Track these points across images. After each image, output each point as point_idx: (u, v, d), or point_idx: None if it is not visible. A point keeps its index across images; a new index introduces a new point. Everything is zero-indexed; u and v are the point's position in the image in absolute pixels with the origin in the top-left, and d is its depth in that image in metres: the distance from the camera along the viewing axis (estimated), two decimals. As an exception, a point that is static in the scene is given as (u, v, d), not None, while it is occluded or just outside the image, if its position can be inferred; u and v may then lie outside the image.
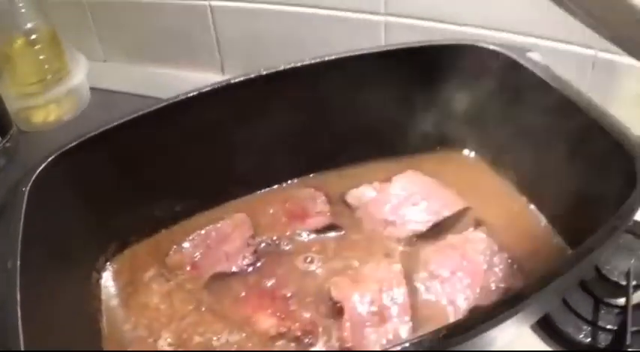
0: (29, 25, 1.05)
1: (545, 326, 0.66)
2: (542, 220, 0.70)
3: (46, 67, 1.09)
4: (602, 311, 0.66)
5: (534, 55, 0.68)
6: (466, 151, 0.78)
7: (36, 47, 1.07)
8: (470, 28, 0.85)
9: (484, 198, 0.72)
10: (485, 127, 0.74)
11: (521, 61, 0.67)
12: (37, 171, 0.64)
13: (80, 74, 1.13)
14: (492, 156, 0.76)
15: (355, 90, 0.74)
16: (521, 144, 0.70)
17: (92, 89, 1.16)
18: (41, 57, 1.08)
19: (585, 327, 0.65)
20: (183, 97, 0.69)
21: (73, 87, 1.12)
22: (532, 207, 0.71)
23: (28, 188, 0.62)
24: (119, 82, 1.16)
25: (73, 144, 0.66)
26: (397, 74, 0.73)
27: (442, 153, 0.78)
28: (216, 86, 0.70)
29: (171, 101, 0.70)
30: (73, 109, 1.12)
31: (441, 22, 0.87)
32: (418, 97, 0.74)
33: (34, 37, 1.06)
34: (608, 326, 0.64)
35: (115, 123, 0.68)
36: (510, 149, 0.72)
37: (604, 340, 0.63)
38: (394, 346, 0.45)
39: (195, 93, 0.70)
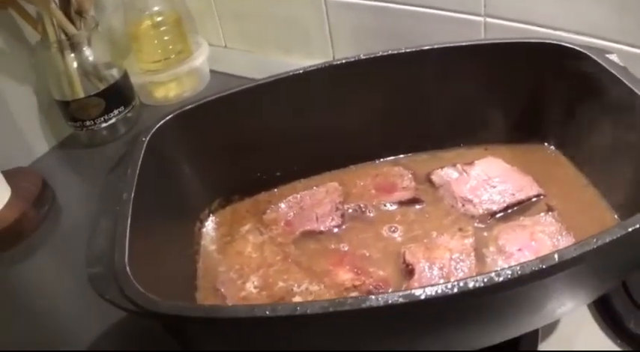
0: (156, 9, 1.20)
1: (609, 320, 0.72)
2: (614, 213, 0.75)
3: (170, 47, 1.23)
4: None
5: (613, 57, 0.73)
6: (547, 145, 0.84)
7: (161, 29, 1.22)
8: (563, 32, 0.93)
9: (559, 188, 0.78)
10: (566, 123, 0.80)
11: (601, 61, 0.72)
12: (157, 126, 0.76)
13: (201, 56, 1.26)
14: (572, 150, 0.81)
15: (448, 80, 0.82)
16: (598, 140, 0.75)
17: (212, 71, 1.30)
18: (165, 38, 1.22)
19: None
20: (292, 73, 0.80)
21: (193, 67, 1.25)
22: (605, 201, 0.76)
23: (147, 138, 0.74)
24: (237, 66, 1.30)
25: (191, 106, 0.79)
26: (487, 68, 0.80)
27: (525, 145, 0.84)
28: (320, 66, 0.80)
29: (281, 76, 0.80)
30: (193, 88, 1.26)
31: (536, 25, 0.95)
32: (505, 91, 0.81)
33: (159, 19, 1.21)
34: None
35: (230, 92, 0.80)
36: (589, 145, 0.77)
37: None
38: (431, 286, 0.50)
39: (301, 71, 0.80)
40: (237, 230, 0.81)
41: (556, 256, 0.51)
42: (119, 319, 0.87)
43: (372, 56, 0.81)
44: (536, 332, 0.71)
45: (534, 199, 0.78)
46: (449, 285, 0.50)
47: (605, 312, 0.74)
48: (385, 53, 0.81)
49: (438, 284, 0.49)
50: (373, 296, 0.50)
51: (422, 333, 0.57)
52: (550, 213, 0.75)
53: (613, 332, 0.72)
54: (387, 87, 0.83)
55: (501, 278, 0.50)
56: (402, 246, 0.74)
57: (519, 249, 0.71)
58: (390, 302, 0.50)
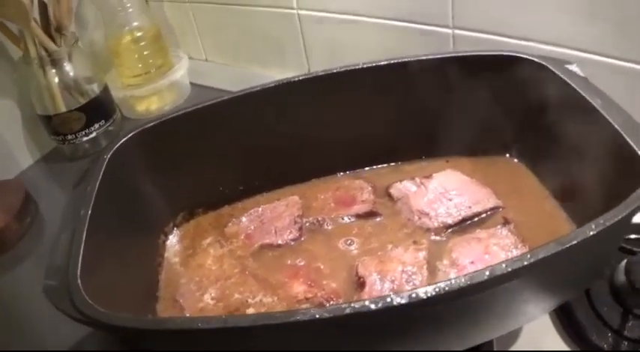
0: (135, 24, 1.23)
1: (572, 331, 0.74)
2: (572, 225, 0.76)
3: (150, 61, 1.26)
4: (630, 323, 0.70)
5: (573, 67, 0.74)
6: (508, 156, 0.86)
7: (141, 44, 1.24)
8: (532, 43, 0.94)
9: (519, 200, 0.80)
10: (527, 134, 0.82)
11: (559, 73, 0.73)
12: (119, 143, 0.79)
13: (181, 70, 1.29)
14: (533, 161, 0.83)
15: (409, 93, 0.84)
16: (558, 151, 0.77)
17: (192, 84, 1.33)
18: (146, 52, 1.25)
19: (610, 335, 0.71)
20: (249, 91, 0.83)
21: (174, 81, 1.27)
22: (564, 212, 0.77)
23: (108, 156, 0.77)
24: (217, 79, 1.33)
25: (152, 124, 0.81)
26: (448, 80, 0.82)
27: (487, 157, 0.86)
28: (277, 83, 0.83)
29: (238, 94, 0.83)
30: (173, 101, 1.29)
31: (505, 36, 0.97)
32: (466, 103, 0.83)
33: (139, 34, 1.23)
34: (634, 337, 0.69)
35: (190, 109, 0.82)
36: (550, 156, 0.79)
37: (627, 349, 0.69)
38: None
39: (259, 88, 0.83)
40: (199, 243, 0.83)
41: (486, 273, 0.52)
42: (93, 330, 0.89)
43: (332, 72, 0.83)
44: (491, 344, 0.72)
45: (491, 212, 0.80)
46: (377, 302, 0.52)
47: (568, 323, 0.75)
48: (344, 68, 0.83)
49: (362, 300, 0.51)
50: (302, 311, 0.52)
51: (356, 346, 0.58)
52: (506, 225, 0.76)
53: (575, 344, 0.73)
54: (348, 101, 0.84)
55: (425, 295, 0.52)
56: (356, 258, 0.76)
57: (472, 262, 0.73)
58: (317, 316, 0.52)
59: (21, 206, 1.11)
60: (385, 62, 0.82)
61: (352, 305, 0.51)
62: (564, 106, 0.74)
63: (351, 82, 0.84)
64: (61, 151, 1.26)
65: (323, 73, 0.82)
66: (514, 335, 0.75)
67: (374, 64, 0.82)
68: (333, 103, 0.85)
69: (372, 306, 0.51)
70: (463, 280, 0.52)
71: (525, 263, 0.52)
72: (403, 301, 0.51)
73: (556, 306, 0.70)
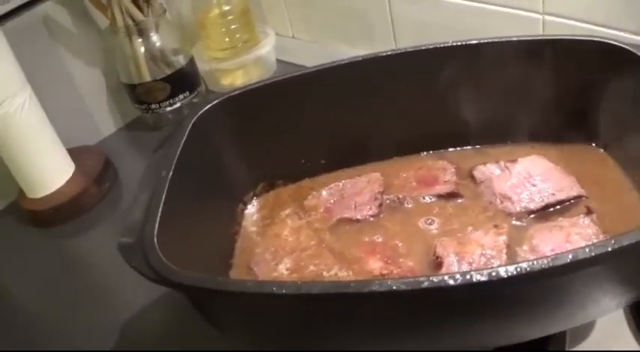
0: (224, -1, 1.22)
1: None
2: None
3: (237, 36, 1.27)
4: None
5: None
6: (594, 146, 0.84)
7: (229, 18, 1.26)
8: (621, 32, 0.92)
9: (602, 190, 0.78)
10: (615, 125, 0.80)
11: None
12: (203, 109, 0.80)
13: (268, 46, 1.29)
14: (619, 153, 0.81)
15: (499, 76, 0.82)
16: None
17: (279, 61, 1.34)
18: (233, 27, 1.26)
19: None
20: (337, 64, 0.83)
21: (260, 56, 1.28)
22: None
23: (192, 121, 0.78)
24: (303, 56, 1.33)
25: (237, 92, 0.83)
26: (538, 65, 0.80)
27: (572, 145, 0.84)
28: (366, 57, 0.83)
29: (326, 66, 0.83)
30: (259, 76, 1.29)
31: (596, 24, 0.95)
32: (555, 89, 0.81)
33: (227, 8, 1.24)
34: None
35: (275, 79, 0.84)
36: (635, 147, 0.77)
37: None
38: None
39: (346, 61, 0.83)
40: (277, 213, 0.84)
41: (569, 256, 0.51)
42: (164, 293, 0.91)
43: (421, 48, 0.83)
44: (563, 337, 0.72)
45: (574, 200, 0.78)
46: (455, 277, 0.51)
47: None
48: (435, 46, 0.82)
49: (441, 274, 0.51)
50: (377, 281, 0.52)
51: (429, 324, 0.58)
52: (589, 215, 0.75)
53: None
54: (438, 80, 0.84)
55: (506, 274, 0.51)
56: (435, 238, 0.76)
57: (552, 250, 0.71)
58: (393, 288, 0.51)
59: (100, 171, 1.14)
60: (476, 41, 0.81)
61: (431, 278, 0.51)
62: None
63: (439, 59, 0.83)
64: (144, 120, 1.28)
65: (411, 49, 0.82)
66: (586, 331, 0.75)
67: (464, 43, 0.82)
68: (419, 81, 0.84)
69: (451, 281, 0.51)
70: (545, 261, 0.51)
71: (609, 248, 0.51)
72: (483, 278, 0.51)
73: (632, 301, 0.68)
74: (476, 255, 0.71)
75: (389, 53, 0.82)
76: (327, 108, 0.84)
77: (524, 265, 0.51)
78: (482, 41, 0.81)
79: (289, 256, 0.77)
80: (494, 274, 0.51)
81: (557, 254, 0.51)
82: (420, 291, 0.51)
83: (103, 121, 1.29)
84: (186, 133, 0.75)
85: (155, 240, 0.62)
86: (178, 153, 0.73)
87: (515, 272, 0.51)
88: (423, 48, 0.82)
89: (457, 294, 0.52)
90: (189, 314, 0.84)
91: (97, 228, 1.11)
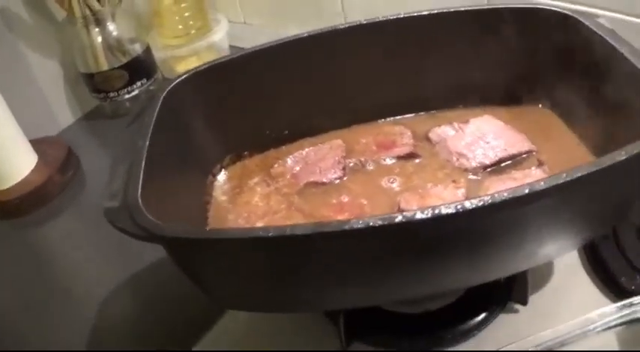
0: (176, -15, 1.26)
1: (601, 274, 0.80)
2: None
3: (191, 23, 1.31)
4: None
5: (602, 20, 0.78)
6: (541, 106, 0.90)
7: (182, 5, 1.30)
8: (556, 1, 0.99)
9: (551, 146, 0.84)
10: (558, 85, 0.86)
11: (590, 24, 0.77)
12: (173, 83, 0.83)
13: (221, 32, 1.33)
14: (564, 111, 0.86)
15: (447, 44, 0.88)
16: (589, 101, 0.81)
17: (231, 47, 1.37)
18: (186, 14, 1.30)
19: (638, 278, 0.76)
20: (297, 37, 0.87)
21: (213, 42, 1.32)
22: (593, 156, 0.80)
23: (164, 95, 0.81)
24: (255, 41, 1.34)
25: (206, 66, 0.86)
26: (483, 32, 0.86)
27: (520, 107, 0.90)
28: (325, 30, 0.87)
29: (288, 39, 0.87)
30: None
31: None
32: (500, 54, 0.87)
33: (180, -4, 1.26)
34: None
35: (240, 54, 0.87)
36: (580, 105, 0.82)
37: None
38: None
39: (306, 34, 0.87)
40: (245, 182, 0.88)
41: (526, 189, 0.56)
42: (131, 275, 0.97)
43: (373, 21, 0.87)
44: (525, 282, 0.77)
45: (526, 155, 0.84)
46: (425, 211, 0.56)
47: (597, 267, 0.81)
48: (385, 18, 0.87)
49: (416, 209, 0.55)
50: (354, 220, 0.56)
51: (404, 262, 0.63)
52: (540, 166, 0.80)
53: (605, 286, 0.79)
54: (389, 51, 0.89)
55: (472, 206, 0.56)
56: (398, 195, 0.80)
57: (508, 198, 0.76)
58: (370, 224, 0.56)
59: (64, 160, 1.17)
60: (427, 12, 0.86)
61: (404, 214, 0.56)
62: (594, 57, 0.77)
63: (391, 32, 0.88)
64: (102, 109, 1.31)
65: (365, 22, 0.87)
66: (546, 277, 0.82)
67: (415, 14, 0.87)
68: (373, 53, 0.89)
69: (422, 215, 0.55)
70: (506, 194, 0.56)
71: (562, 180, 0.56)
72: (450, 211, 0.55)
73: (585, 241, 0.75)
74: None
75: (345, 26, 0.87)
76: (288, 80, 0.88)
77: (487, 198, 0.56)
78: (432, 12, 0.86)
79: (261, 220, 0.81)
80: (459, 207, 0.55)
81: (517, 187, 0.56)
82: (394, 226, 0.55)
83: (62, 112, 1.31)
84: (158, 106, 0.78)
85: (140, 201, 0.64)
86: (152, 124, 0.76)
87: (479, 204, 0.55)
88: (376, 20, 0.87)
89: (427, 229, 0.57)
90: (159, 294, 0.89)
91: (62, 215, 1.14)
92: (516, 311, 0.80)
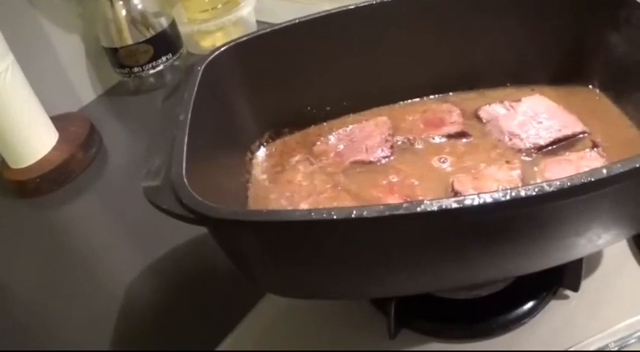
0: (203, -43, 1.22)
1: None
2: None
3: (217, -3, 1.26)
4: None
5: None
6: (591, 87, 0.87)
7: (209, -22, 1.24)
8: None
9: (602, 127, 0.81)
10: (610, 66, 0.83)
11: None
12: (212, 56, 0.79)
13: (248, 7, 1.30)
14: (615, 93, 0.84)
15: (498, 21, 0.85)
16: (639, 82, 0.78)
17: (258, 22, 1.34)
18: (213, -13, 1.25)
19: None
20: (342, 9, 0.83)
21: (240, 17, 1.28)
22: None
23: (203, 67, 0.77)
24: (283, 16, 1.32)
25: (245, 38, 0.82)
26: (534, 11, 0.84)
27: (569, 87, 0.87)
28: (372, 2, 0.84)
29: (332, 11, 0.83)
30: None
31: None
32: (551, 33, 0.84)
33: (207, -31, 1.23)
34: None
35: (283, 25, 0.83)
36: (632, 88, 0.80)
37: None
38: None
39: (352, 6, 0.83)
40: (287, 161, 0.84)
41: (604, 170, 0.53)
42: (157, 258, 0.93)
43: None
44: (579, 268, 0.75)
45: (580, 136, 0.81)
46: (501, 193, 0.52)
47: None
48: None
49: (490, 192, 0.52)
50: (427, 201, 0.52)
51: (469, 247, 0.59)
52: (595, 149, 0.77)
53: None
54: (436, 25, 0.86)
55: (552, 188, 0.52)
56: (450, 175, 0.77)
57: (566, 181, 0.73)
58: (443, 206, 0.52)
59: (86, 137, 1.13)
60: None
61: (483, 195, 0.52)
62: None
63: (439, 6, 0.85)
64: (125, 86, 1.28)
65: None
66: (595, 263, 0.80)
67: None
68: (421, 27, 0.86)
69: (502, 197, 0.52)
70: (585, 176, 0.53)
71: (626, 169, 0.53)
72: (530, 193, 0.52)
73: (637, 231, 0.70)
74: (493, 189, 0.73)
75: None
76: (331, 54, 0.85)
77: (566, 181, 0.52)
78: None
79: (306, 200, 0.77)
80: (537, 189, 0.52)
81: (593, 169, 0.53)
82: (467, 209, 0.52)
83: (84, 88, 1.28)
84: (198, 79, 0.75)
85: (185, 179, 0.60)
86: (193, 97, 0.72)
87: (556, 188, 0.52)
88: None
89: (497, 214, 0.54)
90: (188, 278, 0.87)
91: (84, 194, 1.11)
92: (567, 297, 0.77)
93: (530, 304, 0.77)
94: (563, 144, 0.81)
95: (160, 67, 1.23)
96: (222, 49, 0.80)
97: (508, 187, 0.71)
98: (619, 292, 0.77)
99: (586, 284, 0.77)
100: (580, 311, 0.76)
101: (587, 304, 0.76)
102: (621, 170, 0.53)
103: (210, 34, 1.31)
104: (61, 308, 0.92)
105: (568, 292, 0.77)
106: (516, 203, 0.52)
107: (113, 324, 0.87)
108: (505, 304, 0.77)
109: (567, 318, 0.75)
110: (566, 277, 0.77)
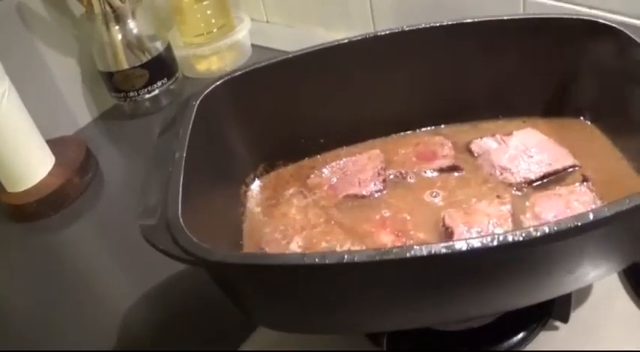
0: (199, -17, 1.24)
1: None
2: None
3: (213, 21, 1.29)
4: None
5: None
6: (582, 119, 0.88)
7: (204, 3, 1.27)
8: (598, 11, 0.98)
9: (593, 161, 0.82)
10: (601, 98, 0.84)
11: (635, 37, 0.75)
12: (207, 91, 0.80)
13: (243, 31, 1.31)
14: (607, 125, 0.85)
15: (488, 53, 0.85)
16: (633, 116, 0.79)
17: (253, 45, 1.35)
18: (208, 12, 1.28)
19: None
20: (337, 43, 0.84)
21: (235, 41, 1.30)
22: (635, 172, 0.79)
23: (198, 102, 0.78)
24: (278, 40, 1.35)
25: (239, 73, 0.83)
26: (525, 43, 0.84)
27: (561, 119, 0.88)
28: (364, 36, 0.84)
29: (326, 46, 0.84)
30: (234, 61, 1.31)
31: (572, 3, 1.01)
32: (542, 66, 0.85)
33: (202, -7, 1.24)
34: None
35: (276, 60, 0.84)
36: (623, 120, 0.81)
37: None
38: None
39: (346, 41, 0.84)
40: (281, 193, 0.85)
41: (591, 215, 0.54)
42: (153, 284, 0.94)
43: (415, 28, 0.84)
44: (569, 300, 0.76)
45: (570, 170, 0.82)
46: (489, 238, 0.54)
47: (636, 283, 0.79)
48: (427, 25, 0.84)
49: (479, 237, 0.53)
50: (417, 246, 0.54)
51: (460, 286, 0.60)
52: (585, 183, 0.78)
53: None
54: (429, 59, 0.87)
55: (539, 233, 0.53)
56: (442, 210, 0.78)
57: (555, 216, 0.74)
58: (433, 252, 0.53)
59: (82, 161, 1.14)
60: (470, 20, 0.84)
61: (472, 240, 0.53)
62: (636, 69, 0.76)
63: (431, 39, 0.86)
64: (120, 109, 1.29)
65: (408, 29, 0.84)
66: (586, 293, 0.80)
67: (456, 22, 0.84)
68: (411, 61, 0.87)
69: (490, 243, 0.54)
70: (571, 220, 0.54)
71: (625, 207, 0.55)
72: (517, 238, 0.54)
73: (627, 265, 0.72)
74: (484, 224, 0.74)
75: (387, 32, 0.85)
76: (325, 88, 0.86)
77: (553, 225, 0.54)
78: (471, 20, 0.84)
79: (299, 234, 0.78)
80: (524, 234, 0.54)
81: (580, 214, 0.54)
82: (464, 253, 0.54)
83: (80, 111, 1.29)
84: (194, 114, 0.76)
85: (181, 220, 0.62)
86: (189, 133, 0.73)
87: (547, 231, 0.54)
88: (418, 27, 0.85)
89: (488, 256, 0.55)
90: (184, 305, 0.89)
91: (81, 219, 1.12)
92: (556, 328, 0.78)
93: (520, 335, 0.78)
94: (554, 178, 0.82)
95: (156, 92, 1.25)
96: (217, 83, 0.81)
97: (498, 223, 0.74)
98: (608, 323, 0.78)
99: (575, 315, 0.78)
100: (570, 342, 0.77)
101: (576, 335, 0.77)
102: (607, 214, 0.54)
103: (206, 58, 1.32)
104: (58, 331, 0.93)
105: (558, 323, 0.78)
106: (504, 248, 0.54)
107: (110, 347, 0.88)
108: (496, 335, 0.78)
109: (557, 349, 0.77)
110: (555, 309, 0.78)
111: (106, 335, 0.89)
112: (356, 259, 0.54)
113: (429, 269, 0.57)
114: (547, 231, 0.53)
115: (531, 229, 0.53)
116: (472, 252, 0.53)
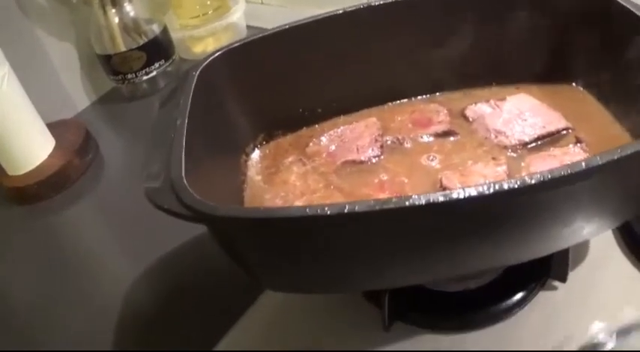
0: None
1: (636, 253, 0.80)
2: None
3: (208, 3, 1.30)
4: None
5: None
6: (574, 85, 0.89)
7: (199, -15, 1.27)
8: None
9: (586, 124, 0.84)
10: (593, 64, 0.85)
11: (624, 3, 0.77)
12: (206, 62, 0.82)
13: (238, 12, 1.32)
14: (599, 90, 0.86)
15: (482, 21, 0.88)
16: (624, 80, 0.80)
17: (248, 27, 1.37)
18: (204, -6, 1.28)
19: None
20: (332, 14, 0.86)
21: (230, 22, 1.31)
22: (630, 136, 0.80)
23: (197, 73, 0.80)
24: (273, 21, 1.34)
25: (238, 44, 0.85)
26: (518, 10, 0.86)
27: (554, 85, 0.89)
28: (359, 7, 0.86)
29: (321, 17, 0.86)
30: (230, 43, 1.32)
31: None
32: (535, 33, 0.87)
33: (198, -25, 1.26)
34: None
35: (274, 31, 0.86)
36: (615, 85, 0.83)
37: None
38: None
39: (341, 11, 0.86)
40: (281, 162, 0.87)
41: (583, 163, 0.56)
42: (155, 260, 0.96)
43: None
44: (566, 260, 0.78)
45: (564, 132, 0.84)
46: (485, 186, 0.55)
47: (632, 242, 0.82)
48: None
49: (475, 186, 0.55)
50: (416, 196, 0.55)
51: (459, 238, 0.62)
52: (578, 144, 0.80)
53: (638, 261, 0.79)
54: (422, 28, 0.88)
55: (533, 181, 0.55)
56: (438, 172, 0.80)
57: (550, 175, 0.76)
58: (431, 200, 0.55)
59: (82, 143, 1.16)
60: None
61: (468, 189, 0.55)
62: (630, 37, 0.77)
63: (423, 9, 0.88)
64: (118, 92, 1.30)
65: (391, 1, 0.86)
66: (582, 254, 0.82)
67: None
68: (405, 30, 0.89)
69: (486, 191, 0.55)
70: (564, 169, 0.56)
71: (617, 156, 0.56)
72: (512, 186, 0.55)
73: (620, 223, 0.74)
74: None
75: (380, 3, 0.87)
76: (321, 58, 0.88)
77: (547, 173, 0.56)
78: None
79: (300, 199, 0.80)
80: (519, 182, 0.55)
81: (573, 163, 0.56)
82: (459, 201, 0.55)
83: (78, 95, 1.31)
84: (194, 84, 0.77)
85: (184, 180, 0.63)
86: (189, 102, 0.75)
87: (541, 179, 0.55)
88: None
89: (483, 206, 0.57)
90: (186, 280, 0.91)
91: (82, 200, 1.13)
92: (555, 288, 0.80)
93: (519, 295, 0.80)
94: (548, 140, 0.83)
95: (154, 73, 1.26)
96: (215, 55, 0.83)
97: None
98: (606, 282, 0.80)
99: (573, 274, 0.80)
100: (568, 302, 0.79)
101: (575, 294, 0.79)
102: (599, 162, 0.56)
103: (202, 39, 1.34)
104: (61, 312, 0.94)
105: (556, 283, 0.80)
106: (500, 195, 0.55)
107: (113, 324, 0.89)
108: (495, 296, 0.80)
109: (556, 308, 0.78)
110: (553, 268, 0.80)
111: (107, 313, 0.91)
112: (357, 209, 0.55)
113: (428, 218, 0.58)
114: (541, 178, 0.55)
115: (526, 177, 0.55)
116: (469, 200, 0.55)
